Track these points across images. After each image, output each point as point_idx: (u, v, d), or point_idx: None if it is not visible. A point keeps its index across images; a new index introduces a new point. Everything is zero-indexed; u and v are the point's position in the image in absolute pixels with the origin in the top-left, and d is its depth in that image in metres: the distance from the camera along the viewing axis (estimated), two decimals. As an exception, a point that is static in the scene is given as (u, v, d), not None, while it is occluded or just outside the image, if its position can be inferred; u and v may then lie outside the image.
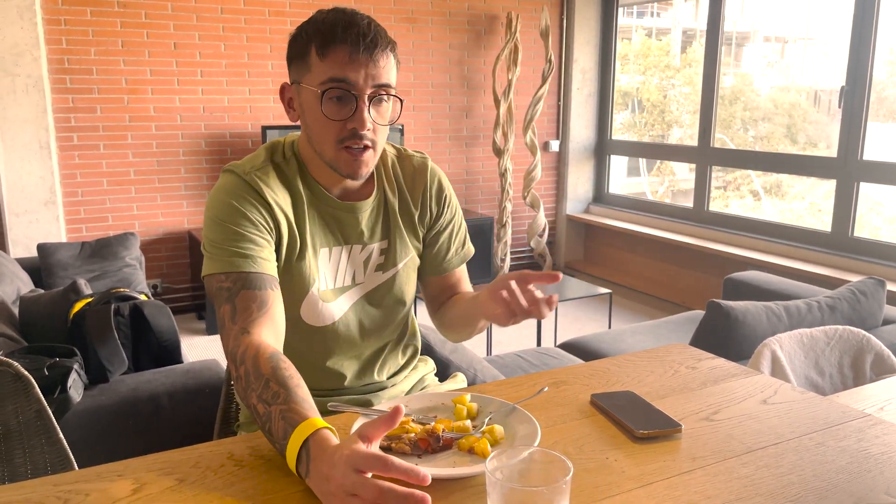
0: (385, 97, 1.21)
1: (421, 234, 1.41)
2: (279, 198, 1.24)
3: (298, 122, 1.26)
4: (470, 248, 1.49)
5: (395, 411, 0.87)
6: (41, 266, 3.36)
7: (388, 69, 1.19)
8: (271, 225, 1.22)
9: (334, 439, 0.91)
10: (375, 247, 1.34)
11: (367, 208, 1.32)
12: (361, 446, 0.84)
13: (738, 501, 0.88)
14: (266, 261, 1.18)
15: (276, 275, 1.20)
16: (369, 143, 1.21)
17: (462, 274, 1.48)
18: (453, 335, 1.46)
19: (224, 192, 1.21)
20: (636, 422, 1.06)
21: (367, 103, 1.18)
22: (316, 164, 1.27)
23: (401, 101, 1.25)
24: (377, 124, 1.21)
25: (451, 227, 1.44)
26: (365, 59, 1.16)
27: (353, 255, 1.32)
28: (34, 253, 3.79)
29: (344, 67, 1.15)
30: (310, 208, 1.28)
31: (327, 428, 0.92)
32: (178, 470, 0.96)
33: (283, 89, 1.27)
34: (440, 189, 1.41)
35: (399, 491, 0.78)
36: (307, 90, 1.20)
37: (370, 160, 1.23)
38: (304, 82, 1.20)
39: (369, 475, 0.82)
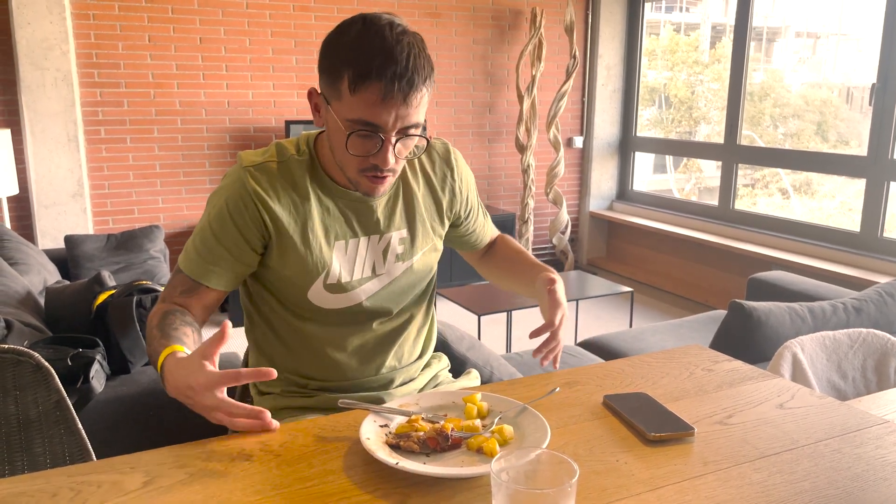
0: (413, 131, 1.18)
1: (446, 221, 1.42)
2: (272, 198, 1.24)
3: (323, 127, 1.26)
4: (489, 219, 1.59)
5: (223, 327, 1.03)
6: (68, 257, 3.41)
7: (421, 107, 1.17)
8: (253, 231, 1.25)
9: (181, 355, 1.09)
10: (394, 236, 1.34)
11: (382, 198, 1.32)
12: (209, 367, 1.02)
13: (749, 508, 0.86)
14: (217, 275, 1.26)
15: (219, 284, 1.27)
16: (391, 172, 1.22)
17: (490, 232, 1.59)
18: (497, 282, 1.58)
19: (223, 192, 1.26)
20: (648, 424, 1.05)
21: (392, 142, 1.16)
22: (331, 159, 1.27)
23: (426, 136, 1.27)
24: (399, 157, 1.21)
25: (477, 207, 1.51)
26: (398, 102, 1.12)
27: (372, 245, 1.32)
28: (62, 244, 3.85)
29: (374, 110, 1.12)
30: (322, 203, 1.28)
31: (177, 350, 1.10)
32: (189, 463, 0.96)
33: (311, 94, 1.24)
34: (467, 175, 1.46)
35: (246, 408, 1.03)
36: (334, 119, 1.18)
37: (389, 183, 1.26)
38: (333, 106, 1.17)
39: (224, 391, 1.02)
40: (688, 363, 1.33)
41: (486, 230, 1.56)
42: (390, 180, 1.24)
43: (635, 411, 1.09)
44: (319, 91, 1.21)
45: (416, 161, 1.37)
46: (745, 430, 1.06)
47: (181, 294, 1.27)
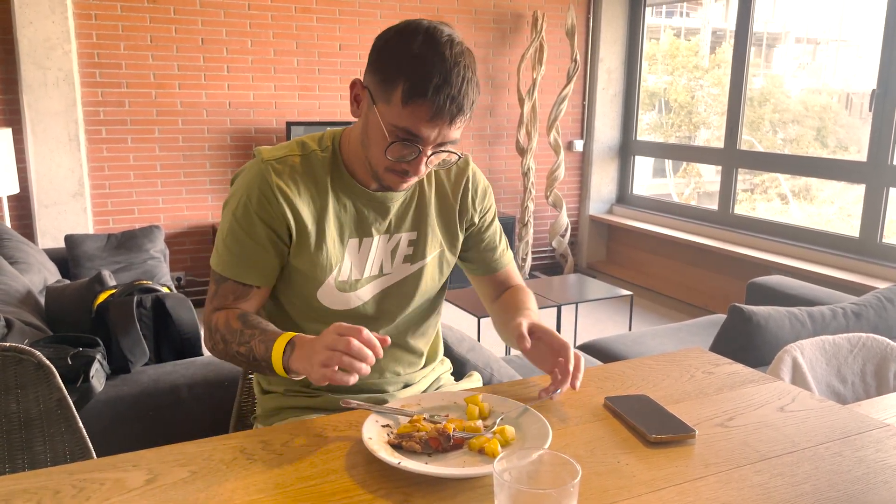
0: (449, 147, 1.21)
1: (460, 232, 1.42)
2: (293, 192, 1.25)
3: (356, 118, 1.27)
4: (511, 254, 1.55)
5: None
6: (68, 257, 3.41)
7: (461, 128, 1.20)
8: (278, 224, 1.25)
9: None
10: (403, 237, 1.35)
11: (399, 199, 1.33)
12: (343, 324, 1.05)
13: (750, 509, 0.87)
14: (260, 271, 1.27)
15: (267, 281, 1.29)
16: (416, 175, 1.23)
17: (511, 269, 1.53)
18: (496, 328, 1.51)
19: (244, 185, 1.26)
20: (649, 426, 1.05)
21: (428, 154, 1.19)
22: (353, 156, 1.28)
23: (459, 153, 1.27)
24: (430, 166, 1.23)
25: (494, 225, 1.49)
26: (445, 122, 1.14)
27: (381, 244, 1.33)
28: (62, 244, 3.85)
29: (421, 125, 1.14)
30: (339, 200, 1.29)
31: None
32: (191, 462, 0.97)
33: (354, 84, 1.24)
34: (484, 190, 1.45)
35: (365, 336, 1.03)
36: (377, 119, 1.18)
37: (413, 183, 1.28)
38: (379, 108, 1.17)
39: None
40: (688, 366, 1.34)
41: (504, 258, 1.51)
42: (414, 181, 1.27)
43: (636, 413, 1.10)
44: (365, 85, 1.21)
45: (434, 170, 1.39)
46: (745, 433, 1.07)
47: (235, 300, 1.27)
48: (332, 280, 1.29)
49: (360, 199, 1.30)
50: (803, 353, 1.77)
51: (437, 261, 1.39)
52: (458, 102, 1.13)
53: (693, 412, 1.14)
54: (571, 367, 1.17)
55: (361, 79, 1.22)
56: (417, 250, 1.36)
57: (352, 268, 1.31)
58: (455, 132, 1.18)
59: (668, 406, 1.15)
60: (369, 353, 1.02)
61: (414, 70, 1.12)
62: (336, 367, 1.02)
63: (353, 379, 1.02)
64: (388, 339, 1.05)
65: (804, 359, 1.77)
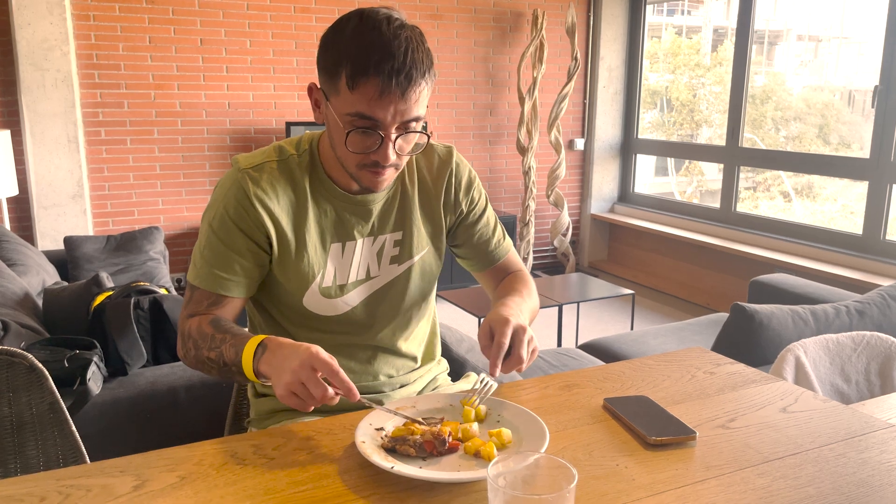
0: (413, 126, 1.16)
1: (445, 226, 1.38)
2: (271, 199, 1.23)
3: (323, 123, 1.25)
4: (508, 240, 1.49)
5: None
6: (67, 259, 3.40)
7: (420, 101, 1.14)
8: (256, 233, 1.23)
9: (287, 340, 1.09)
10: (388, 238, 1.32)
11: (380, 199, 1.30)
12: (321, 352, 1.03)
13: (752, 514, 0.84)
14: (237, 282, 1.24)
15: (243, 292, 1.25)
16: (393, 167, 1.20)
17: (511, 258, 1.49)
18: None
19: (221, 196, 1.24)
20: (649, 428, 1.03)
21: (392, 139, 1.14)
22: (332, 160, 1.26)
23: (427, 133, 1.22)
24: (401, 154, 1.19)
25: (485, 216, 1.43)
26: (396, 97, 1.10)
27: (366, 247, 1.31)
28: (62, 245, 3.84)
29: (372, 105, 1.10)
30: (319, 205, 1.27)
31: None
32: (180, 467, 0.95)
33: (311, 90, 1.22)
34: (469, 181, 1.40)
35: (330, 394, 1.01)
36: (333, 115, 1.16)
37: (391, 177, 1.23)
38: (332, 103, 1.15)
39: (319, 375, 1.01)
40: (689, 366, 1.31)
41: (501, 248, 1.46)
42: (392, 173, 1.22)
43: (636, 415, 1.08)
44: (319, 87, 1.19)
45: (415, 164, 1.35)
46: (747, 435, 1.04)
47: (209, 307, 1.24)
48: (315, 287, 1.27)
49: (341, 203, 1.28)
50: (806, 352, 1.75)
51: (425, 260, 1.36)
52: (406, 73, 1.09)
53: (694, 413, 1.11)
54: (494, 350, 1.12)
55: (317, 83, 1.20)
56: (404, 250, 1.33)
57: (336, 273, 1.28)
58: (415, 108, 1.13)
59: (668, 407, 1.13)
60: (330, 399, 1.02)
61: (351, 53, 1.09)
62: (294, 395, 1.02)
63: (309, 408, 1.03)
64: (357, 396, 1.03)
65: (807, 358, 1.74)
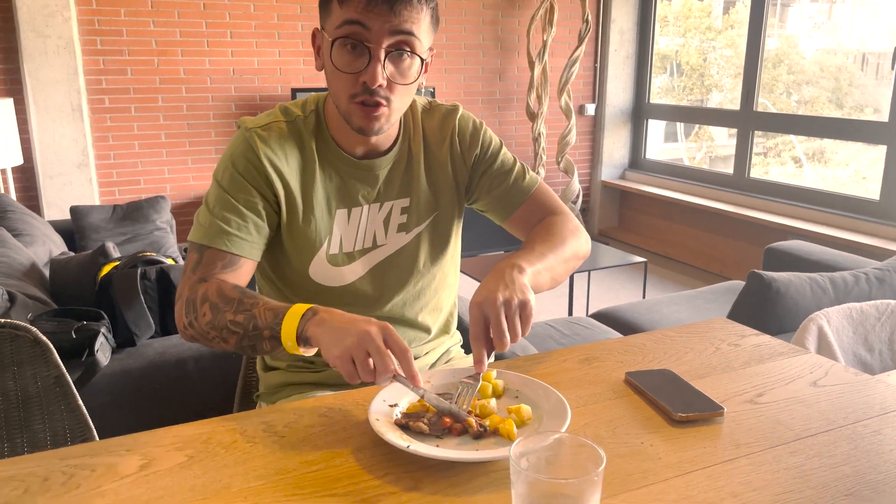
0: (407, 52, 1.10)
1: (457, 189, 1.31)
2: (280, 160, 1.19)
3: (323, 72, 1.19)
4: (533, 177, 1.34)
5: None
6: (74, 229, 3.37)
7: (414, 21, 1.08)
8: (266, 192, 1.18)
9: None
10: (395, 205, 1.27)
11: (385, 165, 1.25)
12: (394, 330, 0.95)
13: (788, 494, 0.80)
14: (248, 242, 1.17)
15: (253, 254, 1.18)
16: (383, 101, 1.12)
17: (538, 196, 1.33)
18: None
19: (229, 156, 1.19)
20: (674, 403, 0.99)
21: (382, 58, 1.09)
22: (337, 121, 1.21)
23: (422, 59, 1.13)
24: (395, 83, 1.12)
25: (499, 160, 1.32)
26: (386, 8, 1.05)
27: (372, 214, 1.26)
28: (68, 215, 3.80)
29: (360, 11, 1.06)
30: (324, 169, 1.22)
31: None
32: (188, 446, 0.91)
33: (314, 35, 1.18)
34: (474, 131, 1.32)
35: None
36: (325, 38, 1.12)
37: (384, 118, 1.14)
38: (326, 31, 1.12)
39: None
40: (713, 338, 1.27)
41: (520, 187, 1.32)
42: (385, 113, 1.13)
43: (660, 389, 1.03)
44: (318, 28, 1.16)
45: (421, 127, 1.29)
46: (777, 410, 1.00)
47: (223, 269, 1.14)
48: (322, 254, 1.22)
49: (346, 167, 1.23)
50: (830, 322, 1.70)
51: (435, 228, 1.31)
52: None
53: (720, 388, 1.07)
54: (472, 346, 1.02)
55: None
56: (411, 218, 1.28)
57: (342, 240, 1.24)
58: (407, 23, 1.07)
59: (692, 381, 1.08)
60: (391, 364, 0.93)
61: None
62: (353, 361, 0.93)
63: (358, 380, 0.94)
64: (420, 384, 0.95)
65: (830, 327, 1.70)
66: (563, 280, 1.24)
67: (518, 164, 1.35)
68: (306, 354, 1.03)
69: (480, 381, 1.00)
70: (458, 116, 1.31)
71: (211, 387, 2.05)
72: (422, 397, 0.97)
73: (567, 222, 1.28)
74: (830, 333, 1.69)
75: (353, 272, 1.25)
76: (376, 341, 0.93)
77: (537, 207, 1.33)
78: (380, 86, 1.09)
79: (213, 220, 1.16)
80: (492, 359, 1.22)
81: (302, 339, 1.01)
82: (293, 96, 4.25)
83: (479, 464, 0.86)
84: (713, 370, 1.14)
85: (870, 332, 1.75)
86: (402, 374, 0.95)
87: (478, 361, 1.01)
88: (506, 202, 1.32)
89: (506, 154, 1.35)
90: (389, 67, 1.10)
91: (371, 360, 0.93)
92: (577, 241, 1.26)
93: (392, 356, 0.94)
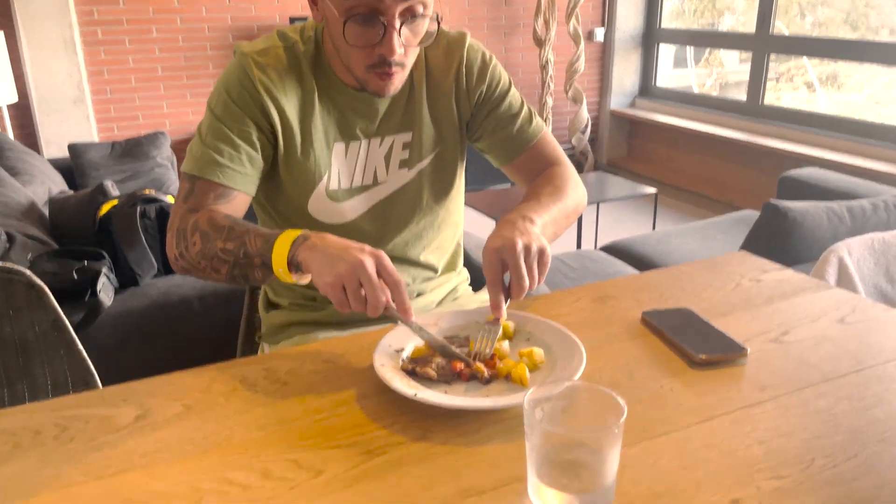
0: (419, 14, 1.04)
1: (461, 123, 1.25)
2: (278, 88, 1.12)
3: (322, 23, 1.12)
4: (539, 123, 1.28)
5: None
6: (73, 166, 3.30)
7: None
8: (261, 121, 1.12)
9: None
10: (396, 139, 1.20)
11: (386, 97, 1.18)
12: (388, 259, 0.92)
13: (817, 440, 0.76)
14: (242, 173, 1.12)
15: (247, 186, 1.14)
16: (400, 66, 1.07)
17: (543, 145, 1.28)
18: None
19: (223, 82, 1.13)
20: (694, 344, 0.94)
21: (397, 26, 1.02)
22: (337, 57, 1.13)
23: (438, 21, 1.07)
24: (409, 46, 1.06)
25: (507, 101, 1.26)
26: None
27: (372, 149, 1.19)
28: (67, 153, 3.74)
29: None
30: (322, 99, 1.15)
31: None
32: (186, 395, 0.87)
33: None
34: (483, 64, 1.24)
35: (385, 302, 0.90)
36: (331, 9, 1.04)
37: (400, 79, 1.10)
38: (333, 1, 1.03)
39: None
40: (732, 273, 1.21)
41: (527, 130, 1.27)
42: (401, 75, 1.10)
43: (679, 330, 0.98)
44: None
45: (423, 56, 1.21)
46: (803, 350, 0.95)
47: (216, 200, 1.10)
48: (322, 188, 1.17)
49: (344, 99, 1.16)
50: (851, 253, 1.65)
51: (438, 163, 1.24)
52: None
53: (742, 327, 1.02)
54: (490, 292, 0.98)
55: None
56: (413, 153, 1.22)
57: (340, 175, 1.18)
58: None
59: (713, 320, 1.03)
60: (381, 297, 0.89)
61: None
62: (344, 288, 0.90)
63: (348, 309, 0.91)
64: (412, 317, 0.92)
65: (851, 259, 1.64)
66: (562, 234, 1.20)
67: (525, 107, 1.28)
68: (299, 283, 0.99)
69: (501, 327, 0.96)
70: (467, 47, 1.23)
71: (217, 324, 2.02)
72: (415, 332, 0.92)
73: (570, 175, 1.25)
74: (851, 265, 1.63)
75: (353, 209, 1.20)
76: (368, 271, 0.89)
77: (540, 156, 1.28)
78: (398, 54, 1.04)
79: (206, 150, 1.11)
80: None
81: (293, 265, 0.97)
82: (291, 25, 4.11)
83: (490, 412, 0.82)
84: (734, 308, 1.08)
85: (892, 262, 1.70)
86: (394, 306, 0.91)
87: (495, 307, 0.96)
88: (508, 147, 1.27)
89: (514, 95, 1.28)
90: (405, 33, 1.04)
91: (363, 290, 0.89)
92: (578, 195, 1.23)
93: (385, 287, 0.90)
